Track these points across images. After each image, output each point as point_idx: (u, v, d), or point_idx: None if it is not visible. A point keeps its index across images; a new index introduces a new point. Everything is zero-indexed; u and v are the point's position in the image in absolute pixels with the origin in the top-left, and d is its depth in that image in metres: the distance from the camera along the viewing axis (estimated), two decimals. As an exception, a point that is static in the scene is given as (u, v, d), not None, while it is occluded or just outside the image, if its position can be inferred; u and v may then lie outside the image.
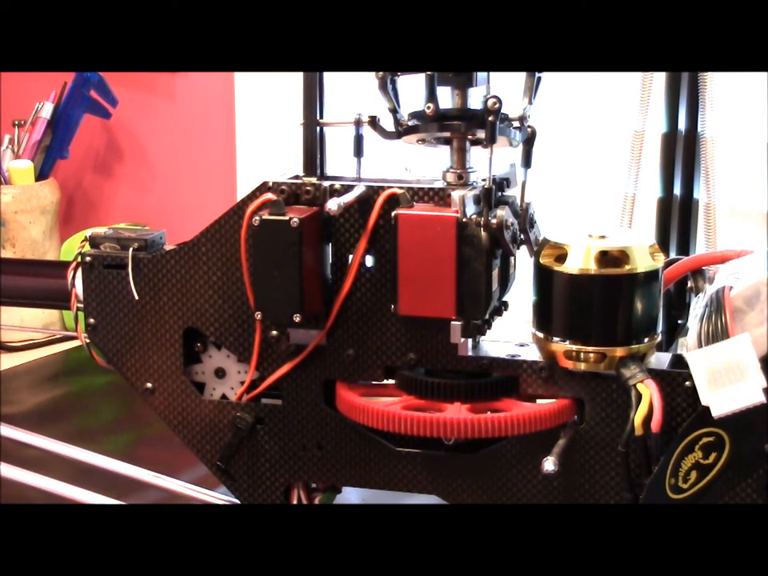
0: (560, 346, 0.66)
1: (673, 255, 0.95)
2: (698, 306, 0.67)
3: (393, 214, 0.66)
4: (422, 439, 0.69)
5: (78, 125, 1.58)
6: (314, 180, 0.70)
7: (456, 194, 0.66)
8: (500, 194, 0.70)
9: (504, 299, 0.72)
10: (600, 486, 0.69)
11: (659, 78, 1.22)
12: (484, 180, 0.67)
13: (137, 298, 0.74)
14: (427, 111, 0.68)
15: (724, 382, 0.61)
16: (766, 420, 0.62)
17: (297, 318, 0.67)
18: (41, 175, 1.56)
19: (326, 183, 0.69)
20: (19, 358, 1.54)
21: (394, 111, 0.69)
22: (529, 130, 0.69)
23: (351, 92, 1.07)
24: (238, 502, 0.77)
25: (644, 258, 0.64)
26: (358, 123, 0.70)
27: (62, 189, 1.60)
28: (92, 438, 1.15)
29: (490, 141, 0.66)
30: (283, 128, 1.45)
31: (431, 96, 0.67)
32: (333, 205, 0.65)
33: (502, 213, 0.66)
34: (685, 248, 1.26)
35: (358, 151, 0.71)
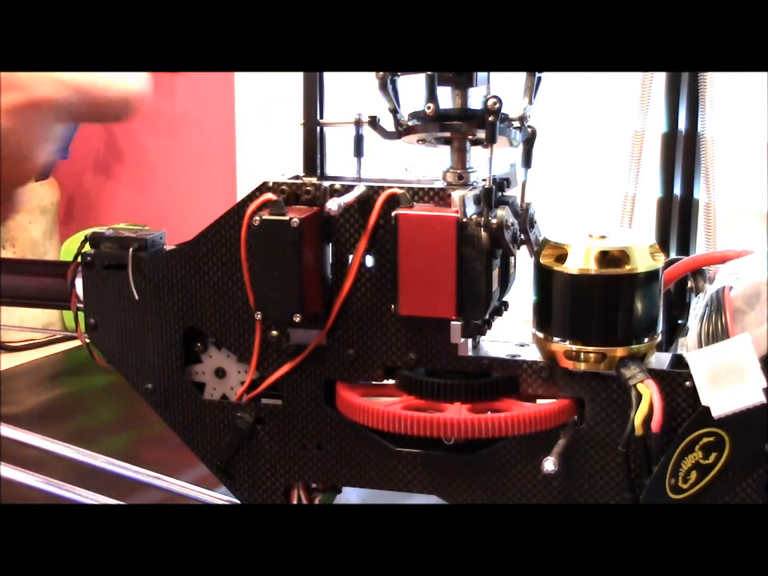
0: (560, 345, 0.66)
1: (673, 255, 0.95)
2: (698, 306, 0.67)
3: (393, 213, 0.66)
4: (421, 439, 0.69)
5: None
6: (314, 180, 0.70)
7: (456, 194, 0.66)
8: (500, 194, 0.70)
9: (504, 299, 0.72)
10: (600, 486, 0.69)
11: (659, 78, 1.22)
12: (484, 180, 0.67)
13: (137, 297, 0.74)
14: (427, 111, 0.68)
15: (724, 382, 0.61)
16: (766, 420, 0.62)
17: (297, 318, 0.67)
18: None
19: (326, 183, 0.69)
20: (19, 358, 1.55)
21: (394, 111, 0.69)
22: (529, 130, 0.69)
23: (351, 92, 1.07)
24: (238, 501, 0.77)
25: (644, 258, 0.64)
26: (358, 123, 0.70)
27: (61, 189, 1.60)
28: (92, 438, 1.15)
29: (490, 141, 0.66)
30: (283, 128, 1.45)
31: (431, 96, 0.67)
32: (333, 205, 0.65)
33: (503, 213, 0.66)
34: (685, 248, 1.27)
35: (358, 151, 0.71)
